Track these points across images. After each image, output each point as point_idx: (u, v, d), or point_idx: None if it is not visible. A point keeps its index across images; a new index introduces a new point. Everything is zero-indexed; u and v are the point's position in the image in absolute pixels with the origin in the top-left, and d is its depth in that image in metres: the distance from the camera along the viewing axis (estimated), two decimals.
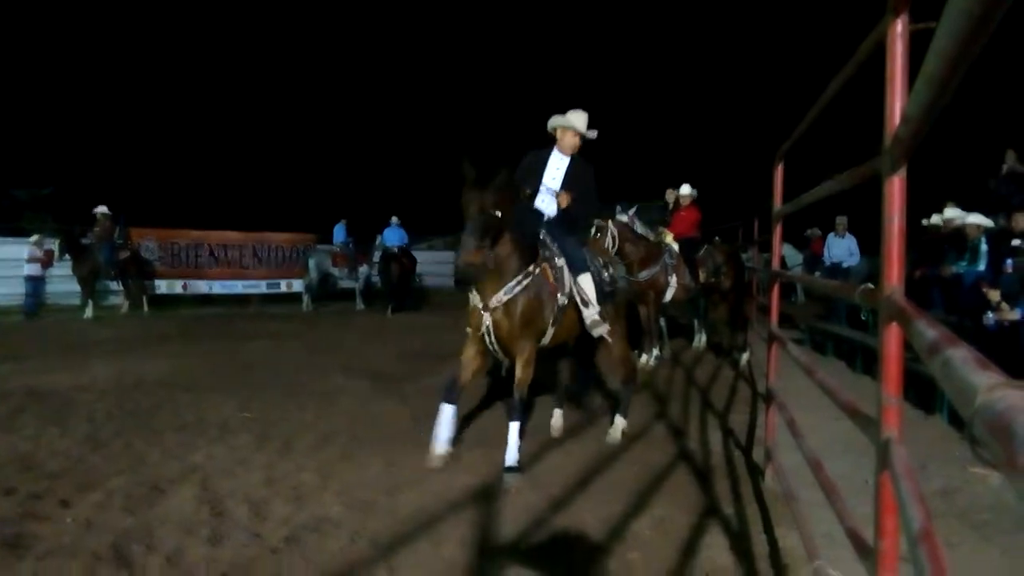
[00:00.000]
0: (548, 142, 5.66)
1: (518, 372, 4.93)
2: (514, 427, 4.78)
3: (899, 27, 1.99)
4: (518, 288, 4.82)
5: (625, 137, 33.71)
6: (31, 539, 3.57)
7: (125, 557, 3.39)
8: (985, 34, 0.83)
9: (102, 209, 14.97)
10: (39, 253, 14.76)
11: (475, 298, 4.93)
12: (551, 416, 5.94)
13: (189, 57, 30.82)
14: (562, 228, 5.44)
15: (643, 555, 3.51)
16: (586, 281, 5.30)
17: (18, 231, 16.98)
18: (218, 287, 17.48)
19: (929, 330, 1.06)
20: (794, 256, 17.96)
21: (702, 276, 9.99)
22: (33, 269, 14.71)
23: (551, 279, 5.08)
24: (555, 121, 5.55)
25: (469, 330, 5.06)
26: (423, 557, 3.44)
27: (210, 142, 29.43)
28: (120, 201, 16.02)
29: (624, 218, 9.52)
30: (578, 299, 5.25)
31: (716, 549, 3.60)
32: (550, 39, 35.99)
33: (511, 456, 4.66)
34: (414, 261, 17.68)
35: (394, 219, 17.42)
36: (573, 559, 3.47)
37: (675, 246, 9.95)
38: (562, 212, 5.45)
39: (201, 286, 17.27)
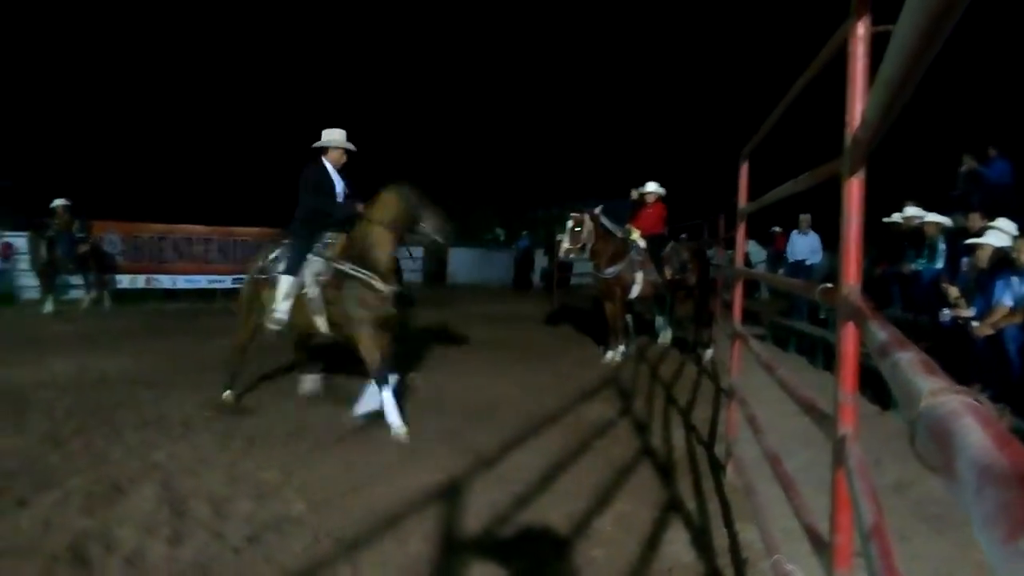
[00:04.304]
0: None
1: None
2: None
3: (860, 29, 2.01)
4: None
5: (594, 135, 33.86)
6: None
7: (83, 558, 3.34)
8: (939, 40, 0.84)
9: (61, 202, 14.65)
10: None
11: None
12: None
13: (150, 49, 30.31)
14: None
15: (606, 552, 3.54)
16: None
17: None
18: (182, 282, 17.22)
19: (881, 331, 1.08)
20: (758, 253, 18.17)
21: (668, 273, 10.04)
22: None
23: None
24: (334, 140, 6.24)
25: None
26: (387, 555, 3.43)
27: (175, 134, 28.98)
28: (81, 193, 15.70)
29: (595, 215, 9.58)
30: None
31: (678, 544, 3.64)
32: (517, 36, 35.92)
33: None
34: None
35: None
36: (537, 556, 3.49)
37: (641, 243, 10.01)
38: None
39: (165, 281, 17.00)
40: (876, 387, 6.51)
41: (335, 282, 5.77)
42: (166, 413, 6.03)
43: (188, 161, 28.33)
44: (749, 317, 11.49)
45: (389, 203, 5.96)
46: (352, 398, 6.01)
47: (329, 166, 6.18)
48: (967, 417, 0.59)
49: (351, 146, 6.27)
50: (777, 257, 16.28)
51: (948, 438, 0.59)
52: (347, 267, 5.73)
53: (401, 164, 31.53)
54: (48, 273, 14.36)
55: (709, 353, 9.72)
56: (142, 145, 28.33)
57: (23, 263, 14.85)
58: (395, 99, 34.08)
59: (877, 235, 9.75)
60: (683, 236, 14.24)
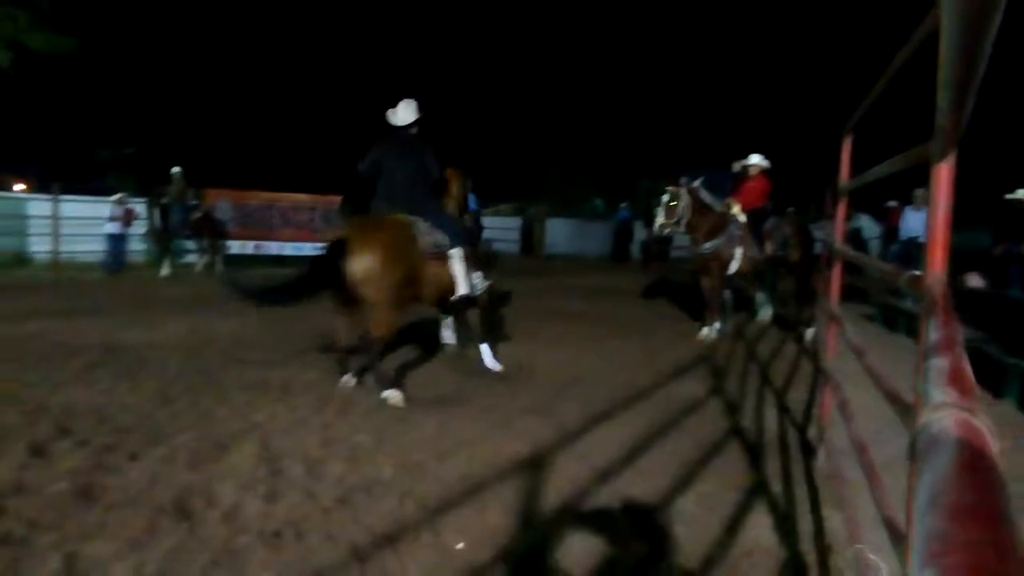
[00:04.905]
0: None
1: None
2: None
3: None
4: None
5: (699, 104, 33.01)
6: (100, 489, 3.77)
7: (186, 511, 3.56)
8: (987, 27, 0.80)
9: (177, 169, 15.42)
10: (120, 212, 15.33)
11: None
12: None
13: (262, 24, 31.30)
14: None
15: (687, 530, 3.52)
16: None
17: (102, 190, 17.66)
18: (288, 248, 17.86)
19: (937, 331, 1.04)
20: (872, 228, 17.43)
21: (769, 248, 9.77)
22: (114, 227, 15.28)
23: None
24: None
25: None
26: (467, 522, 3.52)
27: (283, 106, 29.98)
28: (196, 162, 16.52)
29: (693, 187, 9.40)
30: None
31: (761, 528, 3.59)
32: (620, 4, 35.23)
33: None
34: (481, 227, 17.78)
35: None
36: (615, 532, 3.50)
37: (742, 217, 9.75)
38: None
39: (272, 247, 17.70)
40: (990, 374, 6.21)
41: (468, 252, 6.37)
42: (268, 375, 6.32)
43: (296, 131, 29.26)
44: (857, 295, 11.08)
45: (458, 182, 6.93)
46: (443, 369, 6.19)
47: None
48: (950, 438, 0.58)
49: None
50: (891, 233, 15.56)
51: (928, 455, 0.58)
52: None
53: (499, 133, 31.70)
54: (164, 238, 15.19)
55: (810, 332, 9.43)
56: (252, 116, 29.43)
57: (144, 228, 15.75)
58: (495, 67, 34.14)
59: (998, 213, 9.23)
60: (790, 210, 13.81)
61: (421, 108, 6.41)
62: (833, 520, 3.64)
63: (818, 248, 10.95)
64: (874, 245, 16.88)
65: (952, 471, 0.51)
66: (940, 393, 0.71)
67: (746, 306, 11.38)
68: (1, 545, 3.15)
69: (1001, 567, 0.42)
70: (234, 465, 4.20)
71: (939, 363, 0.81)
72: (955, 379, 0.74)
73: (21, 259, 16.41)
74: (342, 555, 3.17)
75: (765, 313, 10.90)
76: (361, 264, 5.50)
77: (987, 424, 0.63)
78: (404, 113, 6.33)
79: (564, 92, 33.14)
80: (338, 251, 5.53)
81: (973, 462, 0.53)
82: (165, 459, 4.24)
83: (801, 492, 4.10)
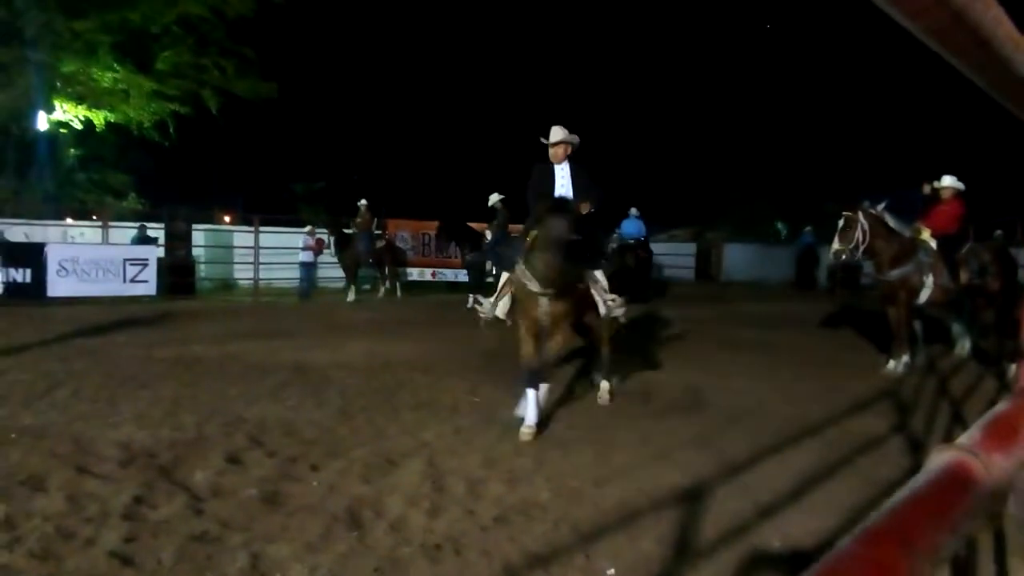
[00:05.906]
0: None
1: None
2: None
3: None
4: None
5: (888, 121, 31.09)
6: (284, 496, 4.12)
7: (357, 520, 3.81)
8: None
9: (363, 202, 16.47)
10: (312, 241, 16.55)
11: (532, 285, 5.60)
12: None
13: (434, 68, 32.81)
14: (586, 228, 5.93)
15: None
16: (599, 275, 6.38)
17: (295, 221, 19.16)
18: (463, 276, 18.53)
19: None
20: None
21: (964, 277, 9.05)
22: (306, 256, 16.51)
23: None
24: (547, 139, 6.36)
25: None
26: (619, 549, 3.53)
27: (457, 142, 31.25)
28: (379, 194, 17.58)
29: (874, 211, 8.89)
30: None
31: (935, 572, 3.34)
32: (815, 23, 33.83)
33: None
34: (650, 253, 17.66)
35: (633, 210, 17.43)
36: (772, 569, 3.39)
37: (932, 243, 9.10)
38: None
39: (448, 274, 18.42)
40: None
41: (515, 279, 5.92)
42: (438, 397, 6.63)
43: (468, 166, 30.35)
44: None
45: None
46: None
47: (554, 164, 6.35)
48: (932, 474, 0.56)
49: (555, 138, 6.30)
50: None
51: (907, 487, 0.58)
52: (520, 267, 5.73)
53: (676, 156, 31.35)
54: (351, 266, 16.25)
55: (1013, 368, 8.60)
56: (429, 153, 30.92)
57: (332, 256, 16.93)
58: (674, 88, 33.85)
59: None
60: (998, 233, 12.75)
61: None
62: (1018, 571, 3.34)
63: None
64: None
65: (894, 508, 0.52)
66: (967, 435, 0.69)
67: (941, 338, 10.56)
68: (199, 542, 3.51)
69: None
70: (402, 480, 4.44)
71: (1001, 407, 0.77)
72: (995, 425, 0.71)
73: (228, 285, 18.11)
74: (496, 572, 3.28)
75: (962, 346, 10.06)
76: None
77: (992, 470, 0.61)
78: (567, 138, 6.40)
79: (745, 110, 32.26)
80: None
81: (930, 497, 0.52)
82: (342, 471, 4.55)
83: (986, 538, 3.77)
